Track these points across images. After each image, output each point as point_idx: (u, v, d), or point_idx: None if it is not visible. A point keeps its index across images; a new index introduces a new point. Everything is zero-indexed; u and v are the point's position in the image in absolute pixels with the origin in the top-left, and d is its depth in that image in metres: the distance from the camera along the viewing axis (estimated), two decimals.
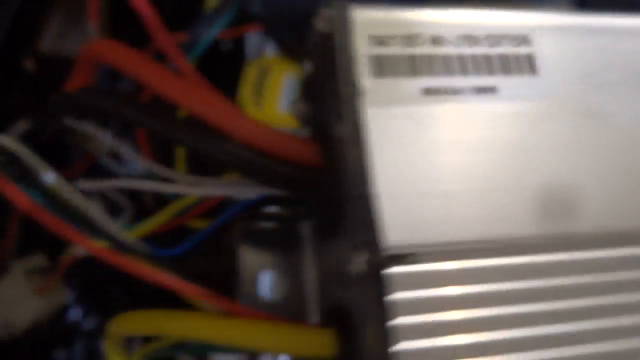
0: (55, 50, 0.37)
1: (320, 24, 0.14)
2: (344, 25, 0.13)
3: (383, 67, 0.13)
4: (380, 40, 0.13)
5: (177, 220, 0.17)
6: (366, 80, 0.13)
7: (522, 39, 0.14)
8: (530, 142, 0.13)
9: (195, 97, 0.14)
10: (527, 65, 0.14)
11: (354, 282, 0.12)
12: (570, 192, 0.13)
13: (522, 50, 0.14)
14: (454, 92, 0.13)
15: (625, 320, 0.12)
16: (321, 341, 0.13)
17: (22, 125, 0.21)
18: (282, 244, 0.19)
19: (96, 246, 0.15)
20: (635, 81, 0.14)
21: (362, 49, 0.13)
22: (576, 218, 0.13)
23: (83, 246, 0.15)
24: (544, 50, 0.14)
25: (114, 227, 0.15)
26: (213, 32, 0.22)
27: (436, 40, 0.13)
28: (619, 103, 0.14)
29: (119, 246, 0.15)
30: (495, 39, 0.14)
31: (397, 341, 0.11)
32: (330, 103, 0.14)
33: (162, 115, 0.15)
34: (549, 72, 0.14)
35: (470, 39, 0.14)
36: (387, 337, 0.11)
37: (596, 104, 0.14)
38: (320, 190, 0.14)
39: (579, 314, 0.12)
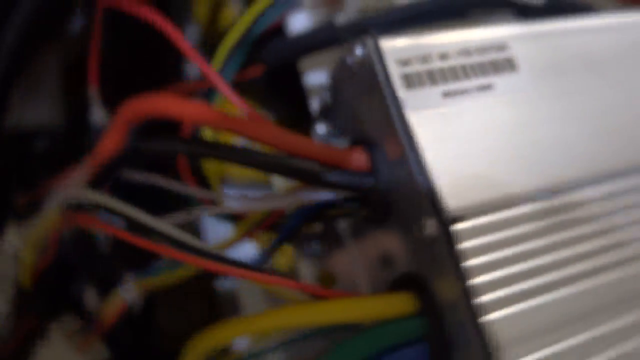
0: (17, 124, 0.39)
1: (351, 57, 0.18)
2: (379, 54, 0.17)
3: (410, 81, 0.17)
4: (403, 62, 0.17)
5: (247, 236, 0.20)
6: (401, 93, 0.17)
7: (502, 46, 0.19)
8: (526, 118, 0.18)
9: (270, 131, 0.18)
10: (509, 65, 0.18)
11: (427, 245, 0.16)
12: (566, 145, 0.18)
13: (503, 54, 0.18)
14: (464, 92, 0.17)
15: None
16: (406, 302, 0.17)
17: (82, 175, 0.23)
18: (327, 243, 0.23)
19: (205, 260, 0.17)
20: (588, 65, 0.19)
21: (393, 71, 0.17)
22: (575, 163, 0.17)
23: (192, 263, 0.18)
24: (518, 52, 0.19)
25: (207, 245, 0.18)
26: (227, 76, 0.25)
27: (443, 56, 0.18)
28: (579, 83, 0.19)
29: (221, 260, 0.18)
30: (483, 49, 0.18)
31: (473, 277, 0.15)
32: (371, 115, 0.18)
33: (233, 147, 0.18)
34: (526, 68, 0.19)
35: (466, 51, 0.18)
36: (464, 276, 0.15)
37: (564, 86, 0.19)
38: (376, 185, 0.18)
39: (601, 234, 0.16)
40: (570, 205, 0.16)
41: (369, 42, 0.17)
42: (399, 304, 0.17)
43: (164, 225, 0.18)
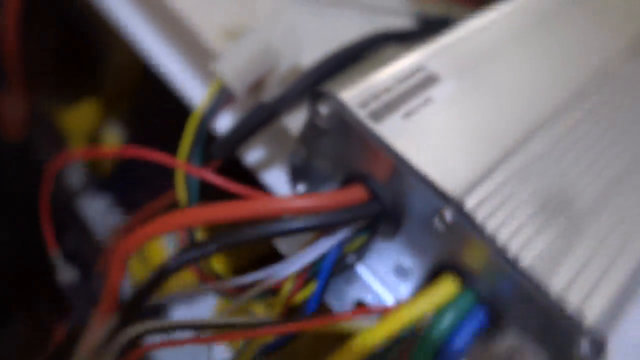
0: None
1: (318, 117, 0.21)
2: (343, 106, 0.20)
3: (376, 117, 0.21)
4: (363, 104, 0.21)
5: (290, 301, 0.22)
6: (375, 128, 0.20)
7: (421, 67, 0.23)
8: (466, 109, 0.22)
9: (273, 204, 0.20)
10: (433, 79, 0.23)
11: (447, 233, 0.19)
12: (504, 112, 0.22)
13: (425, 73, 0.23)
14: (414, 110, 0.22)
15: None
16: (451, 283, 0.20)
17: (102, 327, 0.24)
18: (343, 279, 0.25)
19: (277, 327, 0.19)
20: (486, 54, 0.24)
21: (360, 114, 0.21)
22: (519, 120, 0.22)
23: (270, 333, 0.19)
24: (434, 66, 0.23)
25: (266, 318, 0.20)
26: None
27: (387, 90, 0.22)
28: (488, 69, 0.24)
29: (291, 321, 0.20)
30: (412, 73, 0.23)
31: (499, 236, 0.19)
32: (352, 156, 0.21)
33: (246, 229, 0.21)
34: (446, 75, 0.23)
35: (400, 80, 0.22)
36: (494, 238, 0.18)
37: (479, 75, 0.24)
38: (383, 208, 0.21)
39: (560, 158, 0.21)
40: (532, 147, 0.21)
41: (332, 100, 0.21)
42: (447, 287, 0.20)
43: (216, 319, 0.20)
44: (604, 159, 0.22)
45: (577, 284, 0.18)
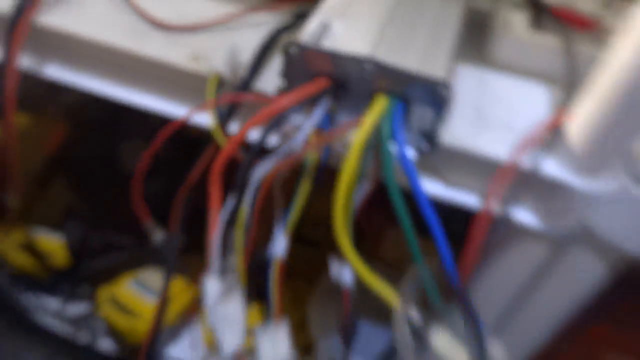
0: None
1: (291, 56, 0.43)
2: (305, 43, 0.43)
3: (317, 42, 0.43)
4: (310, 39, 0.44)
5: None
6: (321, 44, 0.43)
7: (321, 22, 0.46)
8: (355, 24, 0.46)
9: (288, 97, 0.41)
10: (329, 23, 0.46)
11: (373, 78, 0.43)
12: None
13: (323, 22, 0.46)
14: (332, 36, 0.45)
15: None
16: (382, 99, 0.43)
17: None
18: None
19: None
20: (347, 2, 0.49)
21: (313, 42, 0.43)
22: (380, 14, 0.46)
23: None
24: (324, 18, 0.47)
25: None
26: None
27: (314, 32, 0.45)
28: (355, 6, 0.48)
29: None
30: (319, 25, 0.46)
31: (395, 62, 0.42)
32: (312, 65, 0.44)
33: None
34: (334, 20, 0.47)
35: (317, 28, 0.45)
36: (397, 65, 0.42)
37: (350, 12, 0.48)
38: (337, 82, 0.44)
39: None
40: (390, 28, 0.45)
41: (297, 42, 0.43)
42: (380, 102, 0.43)
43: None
44: (419, 15, 0.48)
45: (433, 64, 0.43)
